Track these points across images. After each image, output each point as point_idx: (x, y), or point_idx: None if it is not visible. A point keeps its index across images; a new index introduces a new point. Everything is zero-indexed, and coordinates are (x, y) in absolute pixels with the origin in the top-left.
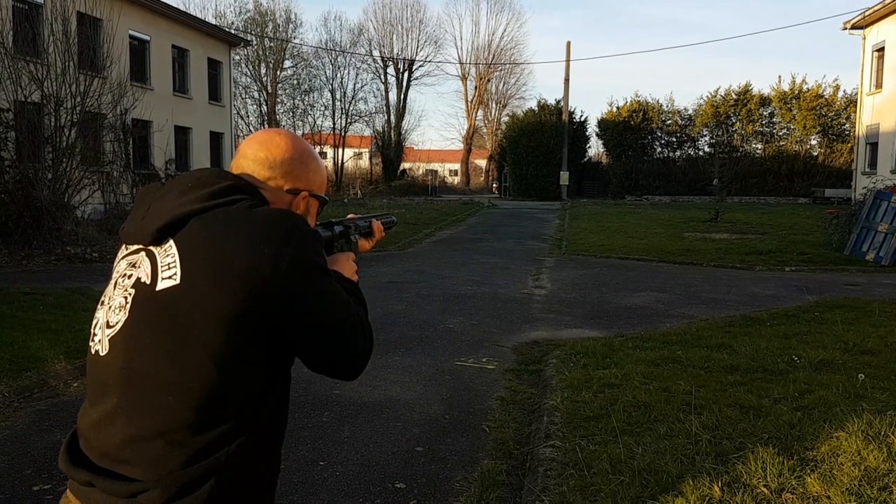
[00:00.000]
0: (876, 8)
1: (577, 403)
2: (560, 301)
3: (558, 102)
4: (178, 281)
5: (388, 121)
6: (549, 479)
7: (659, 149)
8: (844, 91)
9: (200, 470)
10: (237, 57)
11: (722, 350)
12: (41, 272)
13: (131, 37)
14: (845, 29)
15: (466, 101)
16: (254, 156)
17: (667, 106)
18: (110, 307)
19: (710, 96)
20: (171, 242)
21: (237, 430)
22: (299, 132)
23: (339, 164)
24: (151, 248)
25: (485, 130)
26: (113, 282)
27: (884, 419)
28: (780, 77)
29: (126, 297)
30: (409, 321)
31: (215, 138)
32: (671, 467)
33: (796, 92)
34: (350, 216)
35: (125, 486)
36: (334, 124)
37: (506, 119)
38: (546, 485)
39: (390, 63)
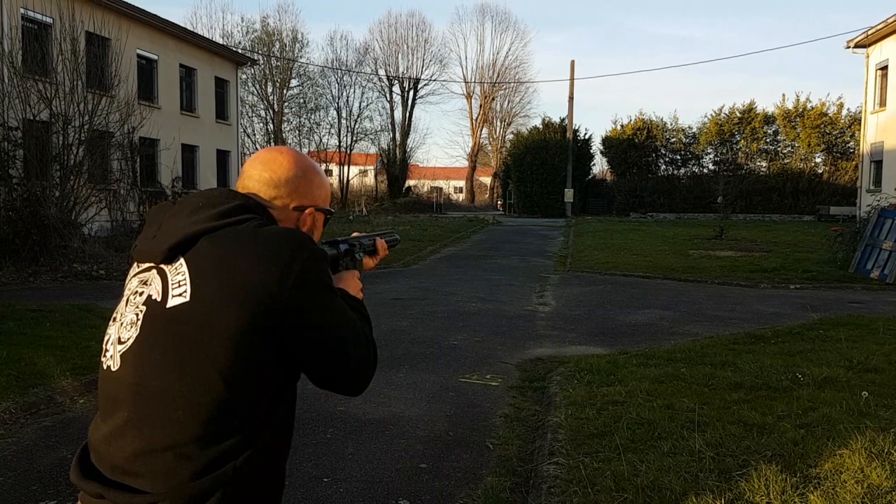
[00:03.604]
0: (879, 27)
1: (580, 420)
2: (564, 318)
3: (563, 120)
4: (188, 298)
5: (394, 138)
6: (553, 496)
7: (663, 166)
8: (848, 109)
9: (208, 483)
10: (244, 76)
11: (726, 367)
12: (48, 289)
13: (139, 56)
14: (849, 47)
15: (471, 119)
16: (258, 176)
17: (671, 124)
18: (122, 323)
19: (714, 114)
20: (182, 260)
21: (244, 443)
22: (305, 150)
23: (345, 182)
24: (163, 265)
25: (489, 148)
26: (125, 299)
27: (887, 437)
28: (784, 95)
29: (137, 314)
30: (414, 338)
31: (222, 156)
32: (675, 485)
33: (800, 110)
34: (354, 234)
35: (135, 498)
36: (340, 142)
37: (510, 137)
38: (550, 502)
39: (396, 82)
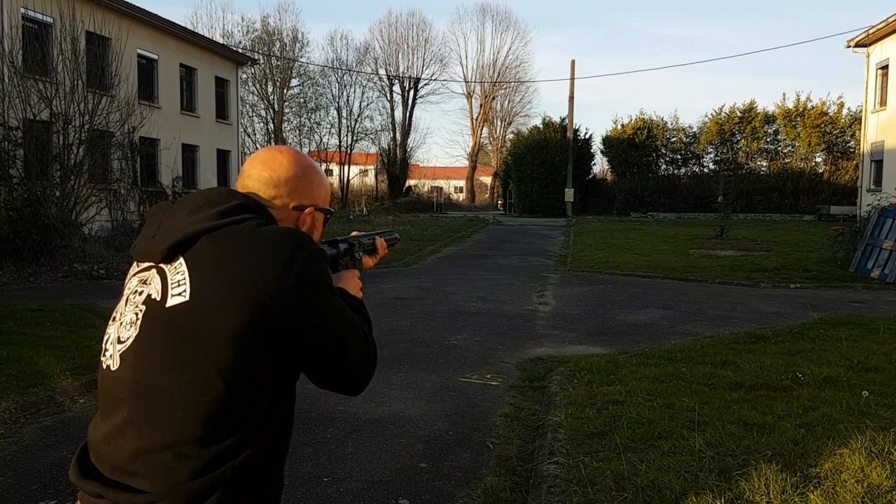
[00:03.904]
0: (880, 26)
1: (580, 420)
2: (564, 317)
3: (563, 120)
4: (187, 297)
5: (394, 138)
6: (553, 495)
7: (664, 166)
8: (849, 108)
9: (207, 482)
10: (244, 75)
11: (726, 367)
12: (48, 289)
13: (139, 55)
14: (849, 47)
15: (472, 118)
16: (258, 176)
17: (671, 123)
18: (121, 323)
19: (714, 114)
20: (182, 260)
21: (243, 443)
22: (305, 150)
23: (345, 181)
24: (162, 265)
25: (490, 148)
26: (124, 298)
27: (887, 436)
28: (784, 94)
29: (137, 314)
30: (414, 337)
31: (222, 156)
32: (674, 484)
33: (801, 109)
34: (354, 233)
35: (134, 497)
36: (340, 142)
37: (511, 136)
38: (550, 501)
39: (396, 81)
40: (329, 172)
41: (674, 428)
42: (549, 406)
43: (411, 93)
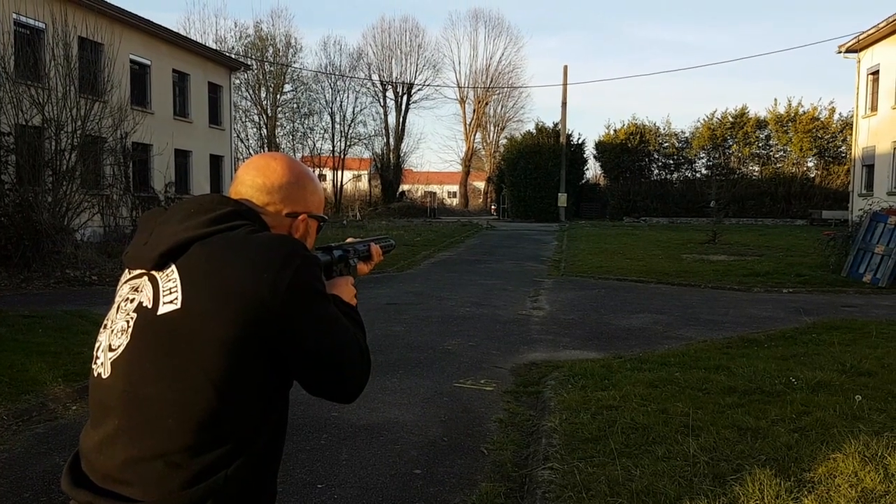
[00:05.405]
0: (870, 32)
1: (575, 425)
2: (558, 322)
3: (556, 125)
4: (179, 305)
5: (387, 143)
6: (548, 501)
7: (656, 171)
8: (840, 113)
9: (199, 492)
10: (237, 81)
11: (720, 372)
12: (40, 295)
13: (132, 61)
14: (840, 52)
15: (465, 123)
16: (252, 182)
17: (664, 128)
18: (112, 330)
19: (706, 119)
20: (173, 267)
21: (236, 452)
22: (299, 155)
23: (339, 187)
24: (154, 272)
25: (483, 153)
26: (115, 305)
27: (880, 440)
28: (776, 100)
29: (128, 321)
30: (408, 343)
31: (215, 161)
32: (669, 489)
33: (792, 114)
34: (349, 240)
35: None
36: (333, 147)
37: (504, 141)
38: None
39: (389, 87)
40: (322, 178)
41: (668, 433)
42: (544, 411)
43: (404, 98)
